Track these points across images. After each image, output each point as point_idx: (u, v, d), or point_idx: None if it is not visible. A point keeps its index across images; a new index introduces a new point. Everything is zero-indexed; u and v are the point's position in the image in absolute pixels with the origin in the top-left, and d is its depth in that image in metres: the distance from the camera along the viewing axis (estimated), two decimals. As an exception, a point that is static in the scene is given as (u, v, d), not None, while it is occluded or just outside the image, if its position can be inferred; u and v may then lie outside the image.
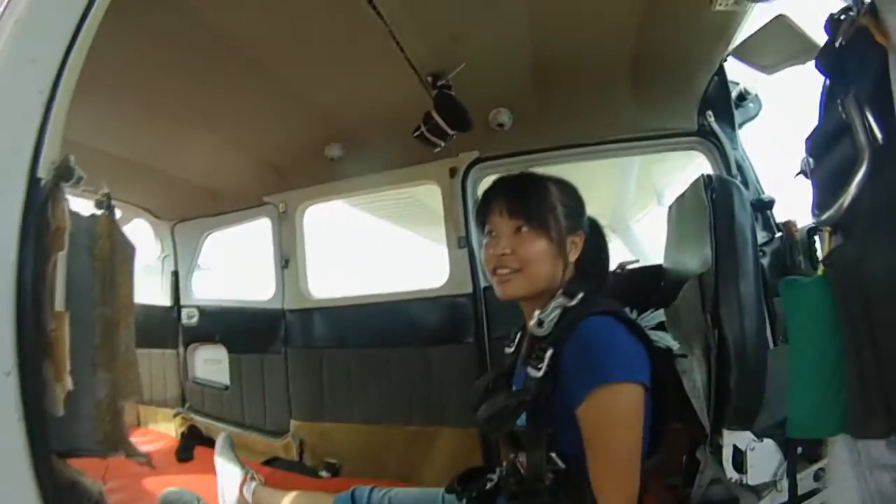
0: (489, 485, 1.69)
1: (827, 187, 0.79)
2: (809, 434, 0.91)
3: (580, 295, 1.47)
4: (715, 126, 2.52)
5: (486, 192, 1.63)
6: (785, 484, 1.60)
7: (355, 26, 1.89)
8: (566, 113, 2.62)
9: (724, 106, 2.53)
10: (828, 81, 0.82)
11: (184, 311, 3.83)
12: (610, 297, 1.56)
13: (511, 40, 2.12)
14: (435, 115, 2.34)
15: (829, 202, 0.77)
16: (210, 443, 3.50)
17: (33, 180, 0.80)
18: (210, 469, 2.81)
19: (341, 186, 3.25)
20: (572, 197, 1.62)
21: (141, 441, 3.62)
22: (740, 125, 2.65)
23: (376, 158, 3.02)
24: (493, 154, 2.86)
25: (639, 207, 6.10)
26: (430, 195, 3.28)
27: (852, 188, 0.71)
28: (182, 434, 3.65)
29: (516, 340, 1.75)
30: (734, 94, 2.58)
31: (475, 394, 1.66)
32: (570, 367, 1.37)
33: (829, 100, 0.78)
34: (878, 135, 0.68)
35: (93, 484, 0.90)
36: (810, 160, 0.88)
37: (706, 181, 1.75)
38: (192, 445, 3.40)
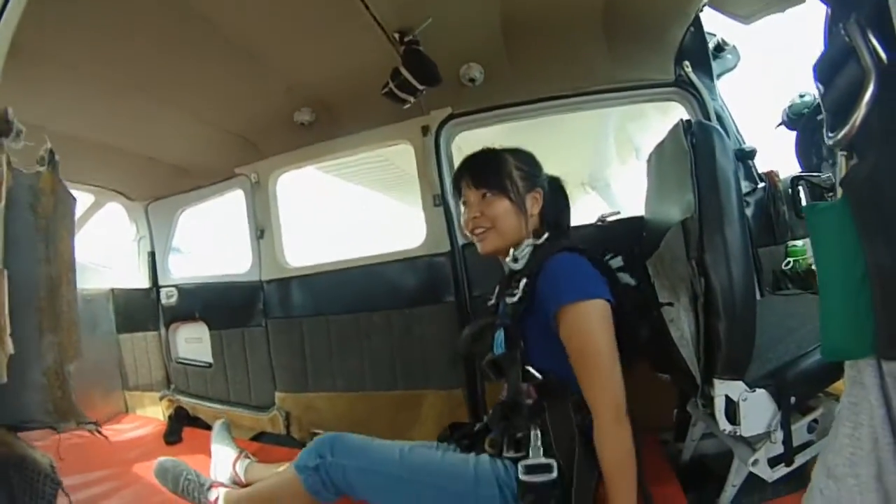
0: (478, 426, 1.97)
1: (838, 110, 0.79)
2: (843, 356, 0.87)
3: (545, 235, 1.84)
4: (693, 76, 2.52)
5: (457, 170, 2.02)
6: (779, 435, 1.57)
7: None
8: (539, 66, 2.58)
9: (702, 57, 2.54)
10: (829, 8, 0.84)
11: (163, 292, 3.80)
12: (591, 248, 1.79)
13: None
14: (403, 70, 2.29)
15: (840, 124, 0.78)
16: (197, 423, 3.54)
17: None
18: (199, 449, 2.80)
19: (313, 151, 3.19)
20: (527, 162, 1.96)
21: (129, 427, 3.61)
22: (718, 76, 2.65)
23: (347, 121, 2.97)
24: (466, 110, 2.80)
25: (617, 164, 6.08)
26: (403, 157, 3.22)
27: (862, 108, 0.72)
28: (169, 417, 3.63)
29: (496, 293, 1.99)
30: (711, 45, 2.57)
31: (464, 342, 1.94)
32: (544, 292, 1.65)
33: (832, 26, 0.79)
34: (883, 55, 0.69)
35: (42, 456, 0.85)
36: (819, 86, 0.88)
37: (685, 126, 1.72)
38: (180, 427, 3.37)
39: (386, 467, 1.71)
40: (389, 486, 1.70)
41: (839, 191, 0.83)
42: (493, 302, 2.00)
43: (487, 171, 1.89)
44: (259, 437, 3.33)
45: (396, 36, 2.23)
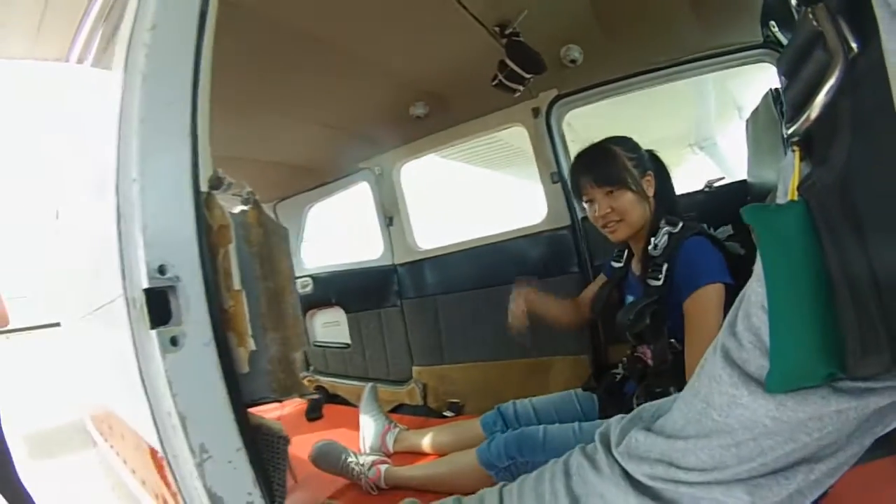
0: (618, 377, 2.21)
1: (799, 103, 0.71)
2: (798, 384, 0.75)
3: (680, 224, 1.93)
4: (779, 35, 2.45)
5: (573, 169, 2.13)
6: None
7: None
8: (634, 41, 2.62)
9: (786, 14, 2.47)
10: None
11: (298, 282, 4.03)
12: (700, 214, 2.09)
13: None
14: (509, 62, 2.42)
15: (799, 116, 0.71)
16: (336, 399, 3.81)
17: (197, 192, 1.00)
18: (340, 424, 3.04)
19: (431, 142, 3.38)
20: (632, 148, 2.06)
21: (272, 407, 3.83)
22: None
23: (460, 110, 3.12)
24: (572, 90, 2.91)
25: (721, 123, 5.91)
26: (515, 135, 3.37)
27: (821, 96, 0.66)
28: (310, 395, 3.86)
29: (623, 258, 2.24)
30: (793, 1, 2.50)
31: (597, 302, 2.31)
32: (680, 274, 1.85)
33: (800, 13, 0.72)
34: (853, 44, 0.63)
35: (274, 423, 1.12)
36: (782, 79, 0.80)
37: (774, 95, 1.77)
38: (320, 405, 3.62)
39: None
40: None
41: (790, 190, 0.74)
42: (619, 265, 2.25)
43: (606, 168, 1.99)
44: (397, 409, 3.55)
45: (497, 29, 2.34)
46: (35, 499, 3.02)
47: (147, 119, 0.97)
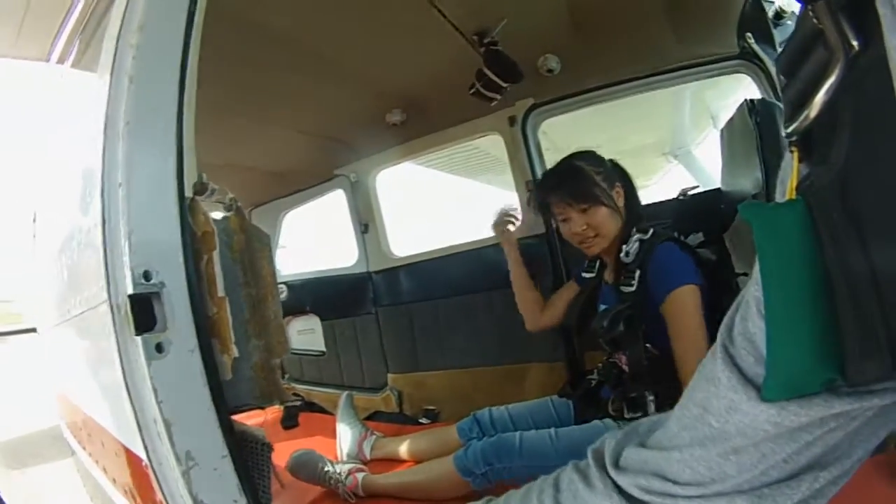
0: (593, 383, 2.23)
1: (799, 102, 0.70)
2: (794, 392, 0.73)
3: (650, 230, 1.99)
4: (756, 47, 2.51)
5: (541, 188, 2.22)
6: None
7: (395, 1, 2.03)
8: (610, 51, 2.65)
9: (762, 26, 2.53)
10: None
11: None
12: (674, 221, 2.18)
13: None
14: (487, 71, 2.45)
15: (798, 115, 0.70)
16: (312, 408, 3.77)
17: (182, 198, 1.00)
18: (314, 431, 3.01)
19: (407, 149, 3.39)
20: (597, 163, 2.13)
21: (247, 416, 3.87)
22: (780, 44, 2.63)
23: (437, 118, 3.14)
24: (548, 98, 2.94)
25: (696, 132, 6.02)
26: (493, 145, 3.39)
27: (822, 93, 0.65)
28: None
29: (596, 267, 2.28)
30: (770, 14, 2.57)
31: (571, 312, 2.38)
32: (654, 279, 1.90)
33: (803, 13, 0.69)
34: (853, 41, 0.62)
35: (256, 430, 1.12)
36: (781, 78, 0.79)
37: (749, 105, 1.82)
38: (296, 413, 3.51)
39: (545, 461, 1.87)
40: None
41: (788, 190, 0.73)
42: (592, 281, 2.29)
43: (578, 186, 2.05)
44: (373, 416, 3.53)
45: (475, 38, 2.36)
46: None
47: (133, 122, 0.97)
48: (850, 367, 0.67)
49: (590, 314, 2.22)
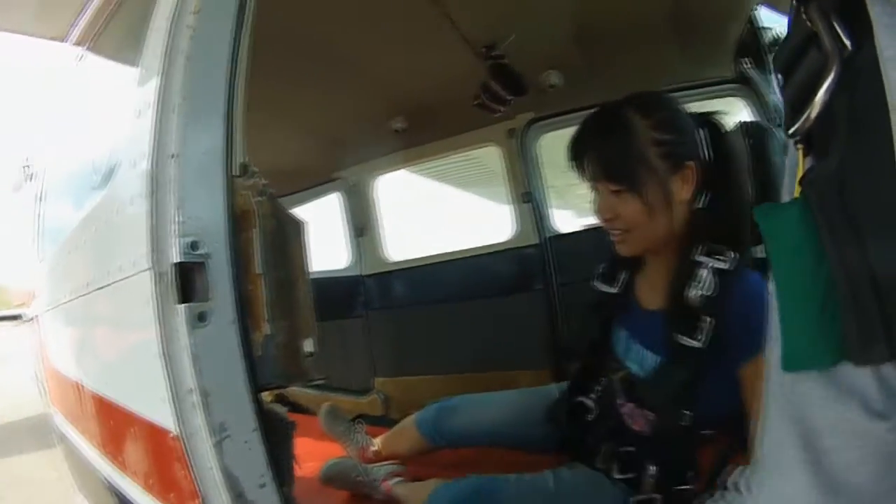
0: (589, 416, 1.60)
1: (797, 102, 0.71)
2: (807, 366, 0.73)
3: (733, 254, 1.26)
4: (751, 72, 2.58)
5: (575, 140, 1.44)
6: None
7: (409, 8, 2.06)
8: (613, 69, 2.69)
9: (758, 52, 2.57)
10: None
11: None
12: None
13: (555, 5, 2.24)
14: (492, 83, 2.51)
15: (798, 115, 0.70)
16: (296, 407, 3.72)
17: (229, 175, 1.02)
18: (300, 433, 3.01)
19: (407, 156, 3.44)
20: (669, 126, 1.35)
21: None
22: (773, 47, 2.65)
23: (438, 127, 3.19)
24: (548, 113, 3.00)
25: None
26: (490, 156, 3.45)
27: (820, 95, 0.66)
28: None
29: (621, 282, 1.56)
30: (767, 40, 2.64)
31: (571, 341, 1.99)
32: (735, 335, 1.23)
33: (796, 13, 0.70)
34: (847, 42, 0.63)
35: (280, 408, 1.14)
36: (779, 77, 0.79)
37: (743, 129, 1.88)
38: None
39: None
40: None
41: (795, 188, 0.75)
42: (614, 291, 1.56)
43: (613, 154, 1.34)
44: (356, 419, 3.55)
45: (483, 50, 2.41)
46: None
47: (189, 99, 1.00)
48: (851, 350, 0.68)
49: (602, 342, 1.59)
